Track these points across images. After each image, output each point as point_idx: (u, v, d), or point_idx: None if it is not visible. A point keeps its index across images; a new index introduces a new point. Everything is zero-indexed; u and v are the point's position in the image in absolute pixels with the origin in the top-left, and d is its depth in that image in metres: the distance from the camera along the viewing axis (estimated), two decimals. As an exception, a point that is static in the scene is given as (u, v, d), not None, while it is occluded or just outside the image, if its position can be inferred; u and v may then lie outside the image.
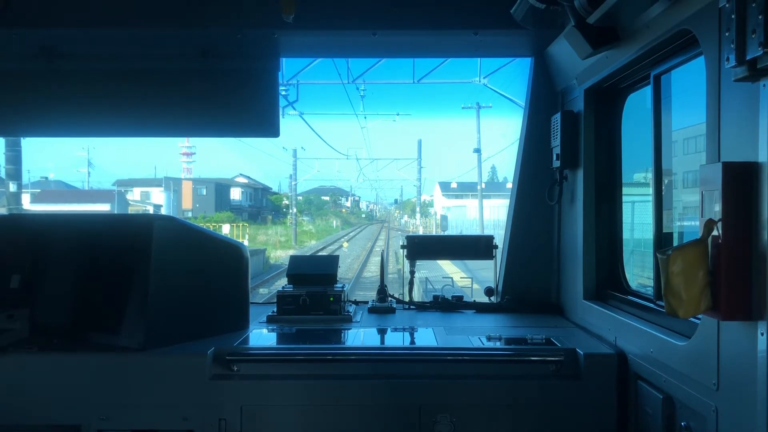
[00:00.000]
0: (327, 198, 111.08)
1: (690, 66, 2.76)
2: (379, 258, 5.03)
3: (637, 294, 3.40)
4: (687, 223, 3.95)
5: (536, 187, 4.25)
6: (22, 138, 15.13)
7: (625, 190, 3.69)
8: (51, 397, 3.09)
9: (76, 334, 3.34)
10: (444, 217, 41.67)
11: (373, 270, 28.39)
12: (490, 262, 4.48)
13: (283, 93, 18.65)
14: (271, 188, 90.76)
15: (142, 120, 4.21)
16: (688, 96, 2.94)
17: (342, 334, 3.62)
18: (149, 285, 3.22)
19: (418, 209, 53.55)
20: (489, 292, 4.49)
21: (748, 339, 2.02)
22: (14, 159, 15.57)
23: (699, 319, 2.36)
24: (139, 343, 3.15)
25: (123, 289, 3.30)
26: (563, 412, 3.08)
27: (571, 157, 3.81)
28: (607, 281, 3.64)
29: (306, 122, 28.72)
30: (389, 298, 4.42)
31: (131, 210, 51.26)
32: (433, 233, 40.32)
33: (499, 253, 4.46)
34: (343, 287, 4.07)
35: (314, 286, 4.00)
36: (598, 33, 2.95)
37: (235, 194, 76.78)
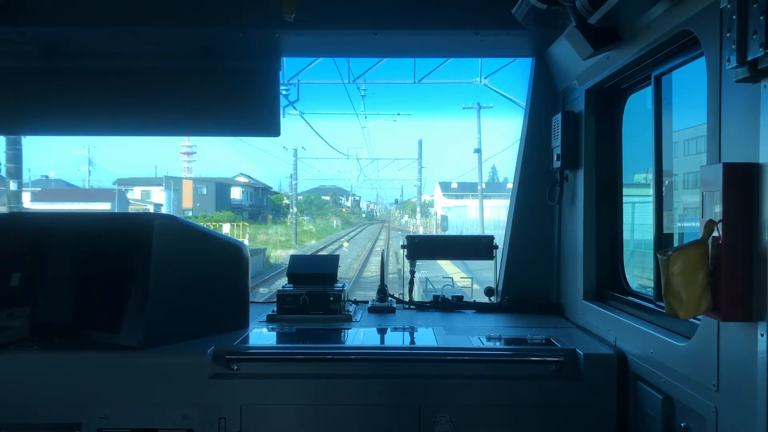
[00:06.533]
0: (327, 198, 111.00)
1: (691, 67, 2.76)
2: (379, 258, 5.03)
3: (637, 294, 3.40)
4: (687, 224, 3.95)
5: (537, 187, 4.25)
6: (22, 136, 15.16)
7: (625, 190, 3.69)
8: (51, 396, 3.09)
9: (76, 333, 3.34)
10: (444, 218, 41.65)
11: (373, 270, 28.39)
12: (490, 262, 4.48)
13: (284, 92, 18.66)
14: (271, 188, 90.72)
15: (143, 119, 4.21)
16: (688, 97, 2.94)
17: (342, 334, 3.62)
18: (149, 284, 3.22)
19: (418, 209, 53.55)
20: (489, 292, 4.49)
21: (748, 340, 2.02)
22: (15, 157, 15.57)
23: (699, 319, 2.36)
24: (139, 342, 3.15)
25: (123, 288, 3.30)
26: (563, 413, 3.07)
27: (571, 157, 3.81)
28: (608, 282, 3.64)
29: (306, 122, 28.82)
30: (389, 298, 4.42)
31: (132, 209, 51.21)
32: (434, 233, 40.31)
33: (499, 254, 4.46)
34: (343, 287, 4.07)
35: (314, 285, 4.00)
36: (599, 33, 2.95)
37: (236, 194, 76.74)
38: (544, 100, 4.23)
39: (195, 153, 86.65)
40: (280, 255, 36.06)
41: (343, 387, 3.12)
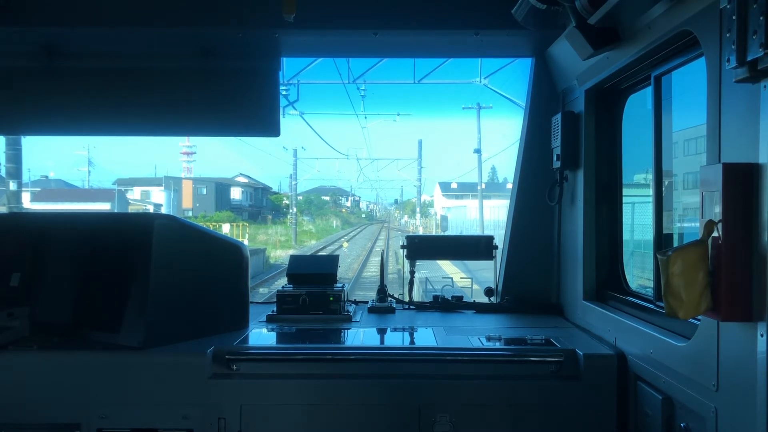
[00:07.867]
0: (327, 198, 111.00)
1: (690, 67, 2.76)
2: (379, 258, 5.03)
3: (637, 295, 3.40)
4: (687, 225, 3.95)
5: (536, 187, 4.25)
6: (22, 137, 15.16)
7: (625, 191, 3.70)
8: (51, 396, 3.10)
9: (76, 333, 3.34)
10: (444, 218, 41.61)
11: (373, 270, 28.40)
12: (490, 263, 4.48)
13: (284, 92, 18.66)
14: (271, 188, 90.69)
15: (143, 119, 4.21)
16: (688, 97, 2.94)
17: (342, 334, 3.62)
18: (149, 284, 3.22)
19: (418, 209, 53.56)
20: (489, 292, 4.49)
21: (748, 340, 2.02)
22: (14, 158, 15.58)
23: (699, 320, 2.36)
24: (139, 342, 3.15)
25: (123, 288, 3.30)
26: (563, 413, 3.08)
27: (571, 157, 3.81)
28: (607, 282, 3.64)
29: (306, 122, 28.82)
30: (389, 298, 4.42)
31: (131, 209, 51.22)
32: (433, 233, 40.31)
33: (499, 254, 4.46)
34: (343, 287, 4.07)
35: (314, 285, 4.00)
36: (599, 33, 2.95)
37: (236, 194, 76.75)
38: (544, 100, 4.23)
39: (195, 153, 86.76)
40: (280, 255, 36.06)
41: (343, 387, 3.12)
